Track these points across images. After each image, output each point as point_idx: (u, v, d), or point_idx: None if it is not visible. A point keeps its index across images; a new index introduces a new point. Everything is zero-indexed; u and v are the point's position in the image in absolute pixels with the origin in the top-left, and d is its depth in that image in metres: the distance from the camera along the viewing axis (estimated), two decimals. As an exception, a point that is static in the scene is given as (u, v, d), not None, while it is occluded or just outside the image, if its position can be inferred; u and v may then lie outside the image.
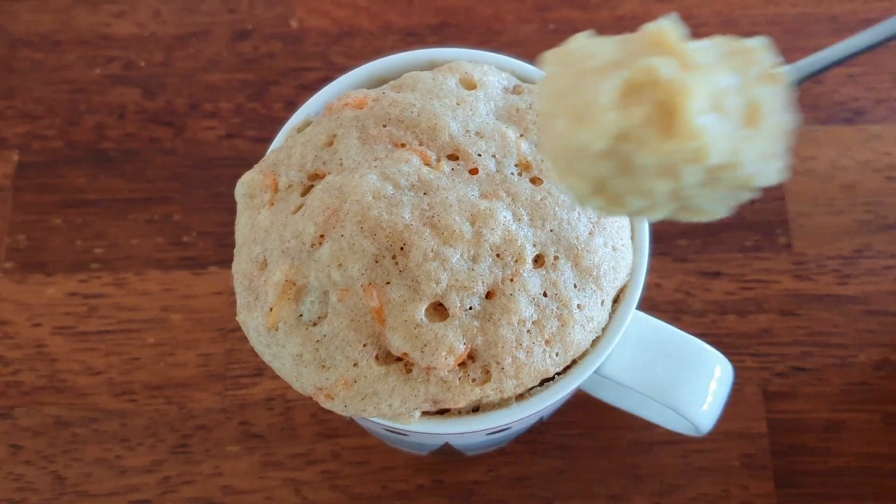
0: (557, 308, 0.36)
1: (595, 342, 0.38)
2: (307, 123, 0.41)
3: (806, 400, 0.55)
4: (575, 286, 0.37)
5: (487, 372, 0.36)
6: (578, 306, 0.37)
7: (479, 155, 0.38)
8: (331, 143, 0.39)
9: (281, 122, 0.42)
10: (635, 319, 0.39)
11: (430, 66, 0.43)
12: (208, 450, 0.54)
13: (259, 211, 0.39)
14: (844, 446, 0.54)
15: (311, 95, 0.42)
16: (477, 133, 0.39)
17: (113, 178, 0.60)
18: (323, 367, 0.36)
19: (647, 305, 0.54)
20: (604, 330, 0.38)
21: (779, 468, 0.53)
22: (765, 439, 0.54)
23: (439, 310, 0.36)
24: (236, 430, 0.54)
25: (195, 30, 0.65)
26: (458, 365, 0.36)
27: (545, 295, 0.36)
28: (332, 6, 0.65)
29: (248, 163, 0.42)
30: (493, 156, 0.38)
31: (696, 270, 0.58)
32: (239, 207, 0.40)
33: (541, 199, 0.37)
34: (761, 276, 0.58)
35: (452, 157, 0.38)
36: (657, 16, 0.70)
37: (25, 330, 0.56)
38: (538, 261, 0.37)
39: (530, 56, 0.45)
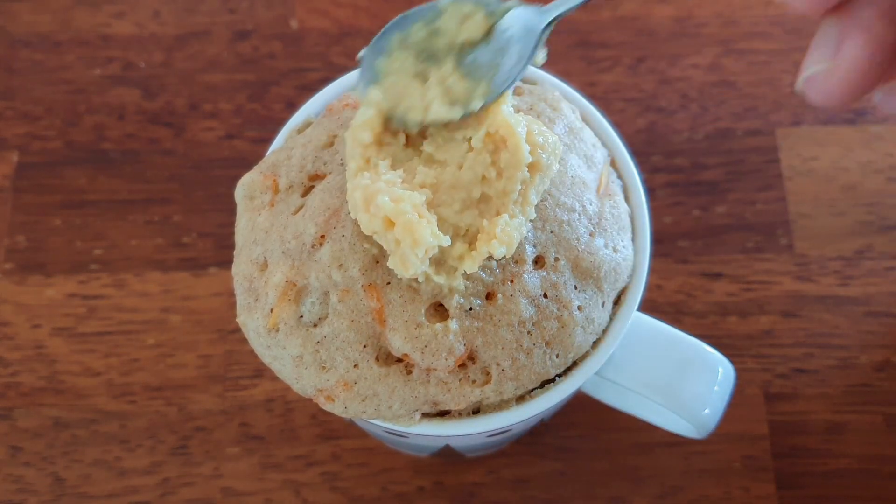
0: (558, 310, 0.36)
1: (596, 344, 0.38)
2: (307, 124, 0.41)
3: (807, 401, 0.55)
4: (575, 288, 0.37)
5: (487, 373, 0.36)
6: (579, 308, 0.37)
7: (480, 156, 0.38)
8: (331, 144, 0.39)
9: (281, 122, 0.42)
10: (636, 321, 0.39)
11: (431, 66, 0.42)
12: (208, 451, 0.54)
13: (259, 212, 0.39)
14: (846, 448, 0.54)
15: (312, 96, 0.42)
16: (477, 134, 0.38)
17: (112, 179, 0.60)
18: (323, 368, 0.36)
19: (648, 307, 0.54)
20: (604, 332, 0.38)
21: (780, 470, 0.53)
22: (766, 441, 0.54)
23: (440, 310, 0.36)
24: (236, 432, 0.54)
25: (195, 30, 0.65)
26: (459, 366, 0.36)
27: (545, 296, 0.36)
28: (332, 6, 0.65)
29: (247, 164, 0.42)
30: (494, 157, 0.38)
31: (698, 272, 0.58)
32: (239, 209, 0.40)
33: (541, 201, 0.37)
34: (763, 278, 0.58)
35: (453, 158, 0.38)
36: (658, 16, 0.70)
37: (25, 331, 0.56)
38: (538, 262, 0.37)
39: (531, 57, 0.45)
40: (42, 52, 0.64)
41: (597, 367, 0.38)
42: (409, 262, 0.33)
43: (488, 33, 0.35)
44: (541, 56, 0.35)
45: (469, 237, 0.34)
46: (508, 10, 0.36)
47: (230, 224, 0.41)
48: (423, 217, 0.33)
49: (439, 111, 0.34)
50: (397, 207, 0.32)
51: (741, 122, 0.62)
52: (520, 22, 0.35)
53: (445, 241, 0.33)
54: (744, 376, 0.55)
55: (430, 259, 0.33)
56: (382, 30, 0.36)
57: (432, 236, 0.32)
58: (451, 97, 0.35)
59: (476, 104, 0.34)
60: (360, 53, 0.36)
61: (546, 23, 0.35)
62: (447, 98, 0.35)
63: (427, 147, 0.35)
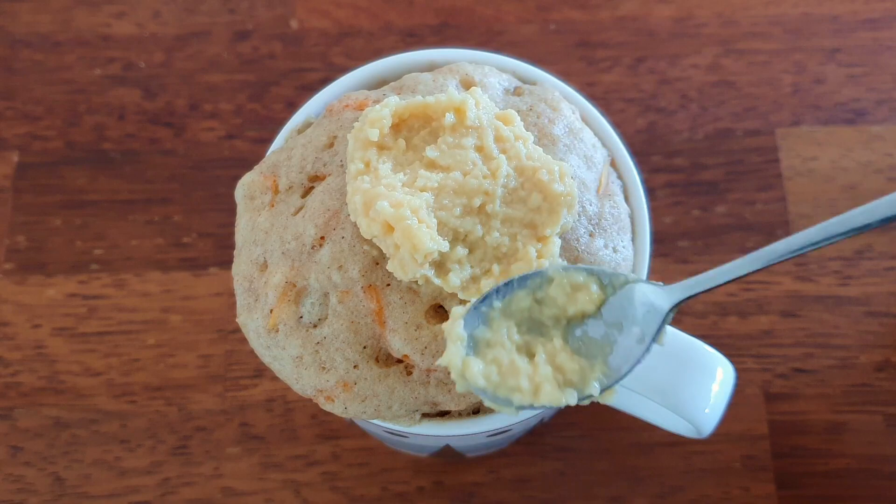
0: (558, 310, 0.36)
1: (596, 344, 0.38)
2: (307, 125, 0.41)
3: (807, 401, 0.55)
4: (576, 288, 0.37)
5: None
6: (579, 308, 0.37)
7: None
8: (331, 145, 0.39)
9: (281, 122, 0.42)
10: (636, 321, 0.39)
11: (431, 66, 0.43)
12: (208, 451, 0.54)
13: (259, 212, 0.39)
14: (846, 448, 0.54)
15: (312, 96, 0.42)
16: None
17: (113, 179, 0.60)
18: (323, 368, 0.36)
19: (647, 307, 0.54)
20: (605, 332, 0.38)
21: (780, 470, 0.53)
22: (766, 441, 0.54)
23: (440, 312, 0.36)
24: (236, 432, 0.54)
25: (195, 30, 0.65)
26: (459, 367, 0.36)
27: (546, 297, 0.36)
28: (332, 7, 0.65)
29: (248, 164, 0.42)
30: (494, 157, 0.38)
31: (698, 272, 0.57)
32: (239, 209, 0.40)
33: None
34: (762, 278, 0.58)
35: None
36: (657, 16, 0.70)
37: (25, 331, 0.56)
38: (539, 263, 0.37)
39: (531, 57, 0.45)
40: (42, 52, 0.64)
41: (597, 367, 0.38)
42: (408, 267, 0.33)
43: (600, 306, 0.33)
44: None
45: (468, 243, 0.34)
46: (625, 284, 0.34)
47: (230, 224, 0.41)
48: (422, 222, 0.33)
49: (552, 395, 0.32)
50: (397, 213, 0.32)
51: (741, 122, 0.62)
52: (639, 298, 0.33)
53: (444, 246, 0.33)
54: (744, 376, 0.55)
55: (429, 262, 0.33)
56: (482, 294, 0.33)
57: (431, 241, 0.32)
58: (564, 377, 0.32)
59: (593, 389, 0.32)
60: (459, 323, 0.32)
61: (672, 305, 0.33)
62: (559, 377, 0.32)
63: (430, 152, 0.35)
